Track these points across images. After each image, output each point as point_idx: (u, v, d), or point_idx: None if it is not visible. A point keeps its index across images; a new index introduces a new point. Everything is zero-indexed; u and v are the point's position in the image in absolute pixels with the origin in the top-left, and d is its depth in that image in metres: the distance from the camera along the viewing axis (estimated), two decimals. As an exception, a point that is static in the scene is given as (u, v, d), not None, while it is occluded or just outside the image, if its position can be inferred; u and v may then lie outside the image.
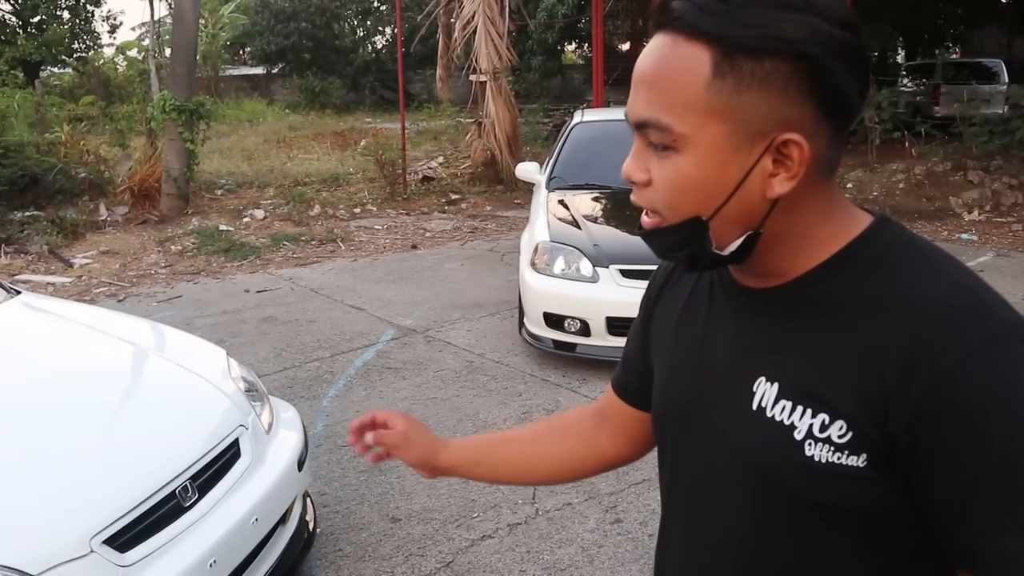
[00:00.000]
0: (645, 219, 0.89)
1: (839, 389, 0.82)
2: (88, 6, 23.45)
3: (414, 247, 8.92)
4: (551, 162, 6.76)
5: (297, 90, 27.94)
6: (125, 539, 2.16)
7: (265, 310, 6.50)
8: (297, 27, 27.44)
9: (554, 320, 5.06)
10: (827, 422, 0.82)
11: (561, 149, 6.80)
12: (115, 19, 23.27)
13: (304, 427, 3.11)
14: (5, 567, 1.95)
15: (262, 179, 12.22)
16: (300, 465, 2.89)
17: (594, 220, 5.73)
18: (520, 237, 7.24)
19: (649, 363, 1.14)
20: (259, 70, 31.05)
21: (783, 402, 0.86)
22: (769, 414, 0.87)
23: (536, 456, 1.31)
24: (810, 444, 0.83)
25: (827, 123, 0.82)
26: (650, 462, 3.46)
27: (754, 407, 0.89)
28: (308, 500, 3.11)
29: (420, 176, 12.37)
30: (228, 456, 2.62)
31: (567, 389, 4.80)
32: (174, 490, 2.35)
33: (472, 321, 6.13)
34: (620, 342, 4.75)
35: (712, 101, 0.80)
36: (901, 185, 11.17)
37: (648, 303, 1.16)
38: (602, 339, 4.94)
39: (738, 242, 0.86)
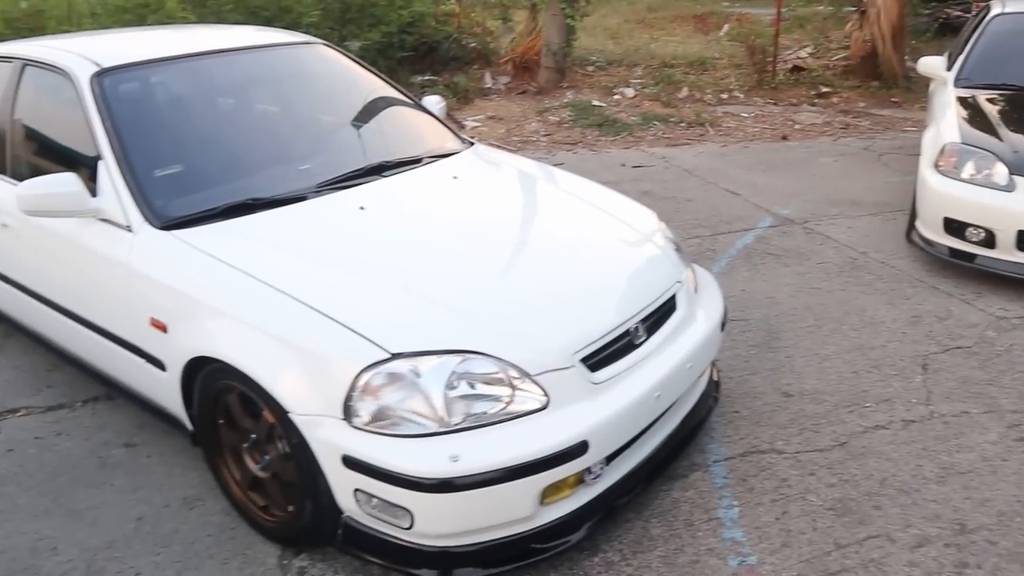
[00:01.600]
0: None
1: None
2: None
3: (784, 138, 8.71)
4: (962, 57, 6.21)
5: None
6: (596, 360, 2.51)
7: (642, 185, 6.78)
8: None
9: (955, 227, 4.80)
10: None
11: (976, 42, 6.22)
12: None
13: (722, 292, 3.32)
14: (512, 364, 2.37)
15: (629, 58, 12.43)
16: (723, 326, 3.11)
17: (1012, 123, 5.25)
18: (899, 138, 6.83)
19: None
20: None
21: None
22: None
23: None
24: None
25: None
26: None
27: None
28: (714, 362, 3.35)
29: (789, 66, 11.87)
30: (668, 307, 2.90)
31: (960, 300, 4.58)
32: (629, 328, 2.66)
33: (851, 219, 5.96)
34: (1030, 257, 4.47)
35: None
36: None
37: None
38: (1008, 253, 4.62)
39: None
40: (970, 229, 4.73)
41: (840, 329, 4.22)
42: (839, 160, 7.81)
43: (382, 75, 4.27)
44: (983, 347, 4.06)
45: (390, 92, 4.11)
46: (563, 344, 2.47)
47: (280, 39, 4.13)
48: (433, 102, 4.26)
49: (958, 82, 5.92)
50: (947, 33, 13.14)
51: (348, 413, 2.29)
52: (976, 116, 5.34)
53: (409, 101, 4.15)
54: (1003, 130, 5.09)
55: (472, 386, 2.34)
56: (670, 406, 2.81)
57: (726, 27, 15.72)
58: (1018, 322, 4.31)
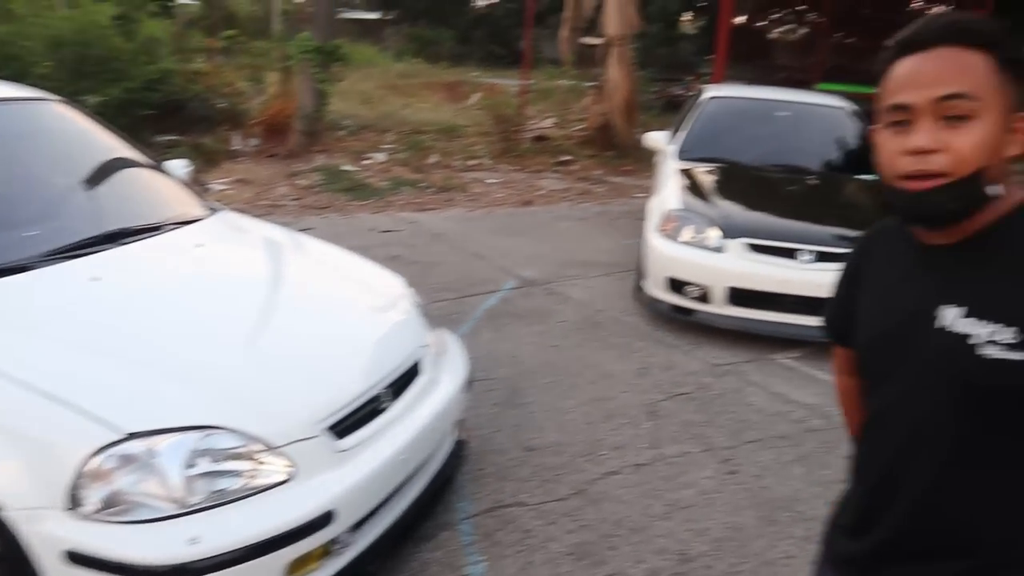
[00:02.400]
0: (922, 183, 1.21)
1: (1013, 307, 1.18)
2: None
3: (527, 203, 9.23)
4: (680, 133, 6.95)
5: (407, 38, 28.39)
6: (342, 428, 2.55)
7: (391, 249, 6.91)
8: (415, -25, 27.81)
9: (676, 285, 5.32)
10: (1001, 329, 1.18)
11: (693, 121, 6.99)
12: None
13: (466, 355, 3.47)
14: (256, 437, 2.35)
15: (382, 123, 12.67)
16: (467, 387, 3.25)
17: (723, 193, 5.94)
18: (631, 204, 7.49)
19: (852, 312, 1.49)
20: (373, 15, 31.55)
21: (967, 320, 1.21)
22: (948, 330, 1.23)
23: None
24: (986, 347, 1.19)
25: None
26: (762, 425, 3.78)
27: (940, 326, 1.25)
28: (460, 422, 3.48)
29: (534, 135, 12.63)
30: (414, 371, 2.99)
31: (681, 351, 5.07)
32: (376, 394, 2.73)
33: (588, 279, 6.42)
34: (739, 312, 5.07)
35: (997, 85, 1.19)
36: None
37: (852, 268, 1.53)
38: (720, 307, 5.19)
39: (998, 187, 1.22)
40: (688, 287, 5.27)
41: (578, 383, 4.53)
42: (577, 224, 8.40)
43: (123, 135, 4.08)
44: (701, 392, 4.52)
45: (130, 154, 3.93)
46: (309, 414, 2.48)
47: (5, 93, 3.79)
48: (178, 166, 4.14)
49: (679, 155, 6.61)
50: (672, 109, 14.57)
51: (74, 502, 2.15)
52: (694, 186, 5.98)
53: (151, 164, 3.99)
54: (716, 199, 5.74)
55: (213, 462, 2.29)
56: (417, 469, 2.89)
57: (476, 96, 16.46)
58: (729, 368, 4.84)
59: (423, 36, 27.06)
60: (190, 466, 2.24)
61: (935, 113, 1.19)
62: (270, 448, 2.36)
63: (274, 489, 2.33)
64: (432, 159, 10.86)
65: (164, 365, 2.48)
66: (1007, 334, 1.17)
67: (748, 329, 5.17)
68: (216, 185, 8.90)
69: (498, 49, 27.86)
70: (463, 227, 7.93)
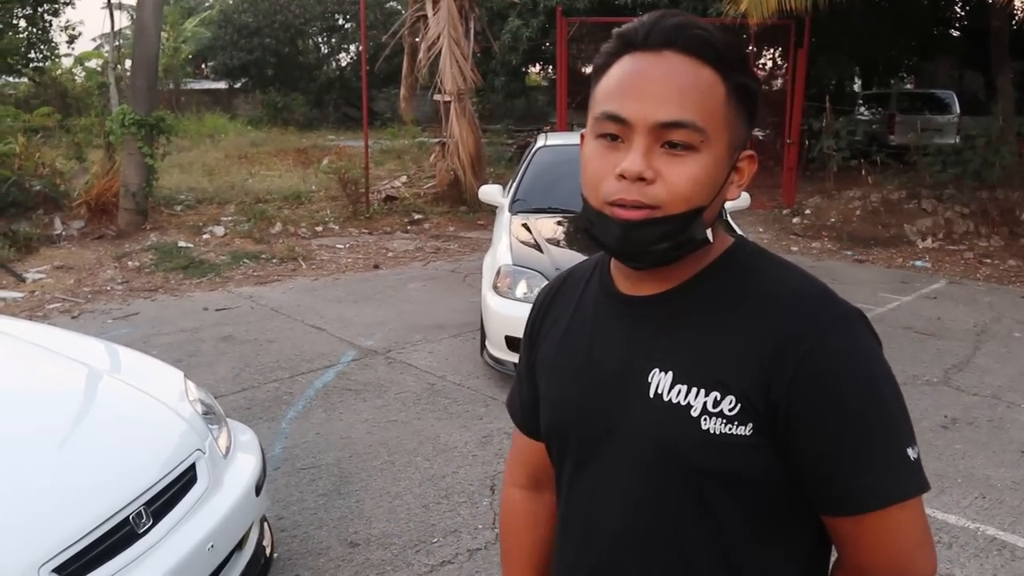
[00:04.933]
0: (632, 212, 0.99)
1: (728, 370, 0.99)
2: (46, 16, 23.02)
3: (376, 267, 8.88)
4: (514, 185, 6.78)
5: (260, 105, 27.75)
6: (75, 567, 2.11)
7: (224, 329, 6.42)
8: (261, 42, 27.24)
9: (516, 343, 5.06)
10: (719, 398, 0.99)
11: (524, 172, 6.83)
12: (74, 29, 22.70)
13: (263, 450, 3.07)
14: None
15: (223, 195, 12.09)
16: (258, 490, 2.85)
17: (556, 243, 5.76)
18: (483, 259, 7.26)
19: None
20: (221, 84, 30.78)
21: (679, 386, 1.02)
22: (666, 399, 1.02)
23: (544, 559, 1.34)
24: (705, 419, 0.99)
25: None
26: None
27: (651, 395, 1.04)
28: (265, 525, 3.06)
29: (383, 195, 12.33)
30: (184, 481, 2.57)
31: (528, 412, 4.79)
32: (128, 516, 2.29)
33: (434, 343, 6.11)
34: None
35: (726, 116, 1.00)
36: (858, 212, 11.39)
37: (534, 327, 1.27)
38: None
39: (710, 231, 1.03)
40: (529, 344, 5.01)
41: (413, 461, 4.17)
42: (427, 284, 8.10)
43: None
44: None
45: None
46: (25, 558, 2.03)
47: None
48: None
49: (512, 207, 6.41)
50: (524, 160, 14.60)
51: None
52: (527, 238, 5.77)
53: None
54: (548, 250, 5.54)
55: None
56: (195, 597, 2.46)
57: (326, 160, 16.06)
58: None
59: (275, 102, 26.46)
60: None
61: (653, 136, 0.98)
62: (-27, 608, 1.90)
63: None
64: (276, 228, 10.37)
65: None
66: (726, 403, 0.99)
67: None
68: (32, 274, 8.17)
69: (353, 111, 27.52)
70: (305, 298, 7.49)
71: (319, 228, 10.66)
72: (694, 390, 1.00)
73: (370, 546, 3.42)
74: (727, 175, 1.03)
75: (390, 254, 9.54)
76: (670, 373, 1.03)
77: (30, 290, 7.64)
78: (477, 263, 8.84)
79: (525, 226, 5.99)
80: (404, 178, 14.00)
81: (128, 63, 12.74)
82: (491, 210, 11.13)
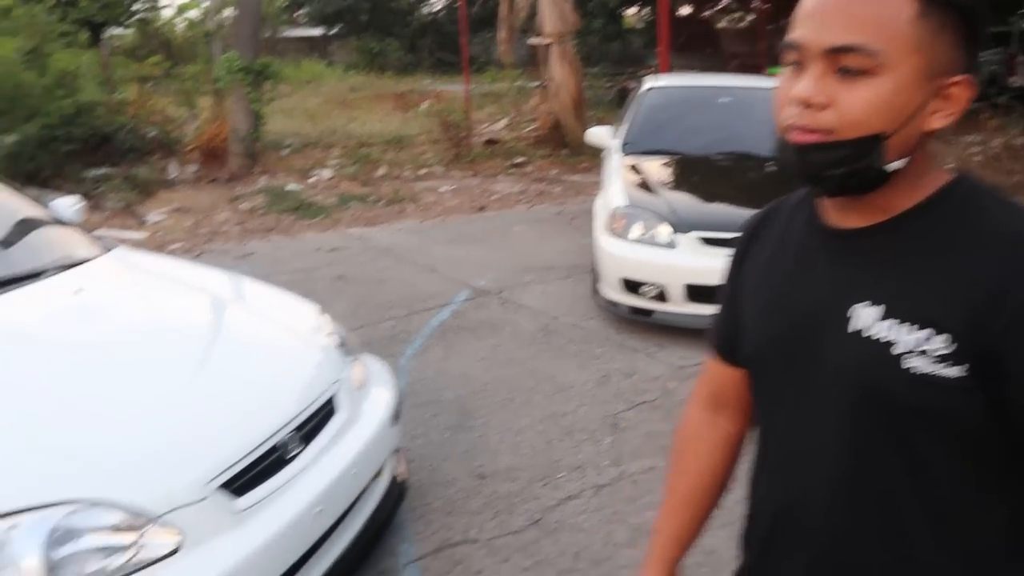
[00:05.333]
0: (803, 136, 0.95)
1: (938, 309, 0.93)
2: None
3: (481, 209, 8.91)
4: (624, 127, 6.65)
5: (355, 51, 27.99)
6: (238, 484, 2.20)
7: (337, 268, 6.56)
8: (355, -12, 27.41)
9: (631, 285, 5.01)
10: (927, 337, 0.93)
11: (635, 114, 6.69)
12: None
13: (396, 382, 3.13)
14: (131, 508, 2.00)
15: (326, 139, 12.30)
16: (394, 420, 2.91)
17: (671, 186, 5.65)
18: (588, 202, 7.21)
19: (740, 316, 1.20)
20: (317, 31, 31.11)
21: (884, 322, 0.96)
22: (866, 335, 0.97)
23: (704, 492, 1.38)
24: (908, 357, 0.94)
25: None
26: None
27: (849, 330, 0.99)
28: (399, 454, 3.13)
29: (484, 139, 12.32)
30: (327, 410, 2.65)
31: (644, 354, 4.76)
32: (280, 441, 2.38)
33: (545, 284, 6.10)
34: (698, 309, 4.73)
35: (917, 36, 0.91)
36: (978, 158, 10.82)
37: (738, 256, 1.24)
38: (680, 306, 4.88)
39: (900, 162, 0.96)
40: (644, 286, 4.96)
41: (533, 399, 4.20)
42: (533, 226, 8.08)
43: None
44: (665, 399, 4.20)
45: (6, 197, 3.55)
46: (195, 474, 2.13)
47: None
48: (64, 205, 3.74)
49: (623, 149, 6.29)
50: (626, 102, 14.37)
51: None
52: (640, 181, 5.68)
53: (28, 204, 3.58)
54: (664, 192, 5.44)
55: (83, 541, 1.93)
56: (341, 517, 2.54)
57: (425, 104, 16.13)
58: (694, 370, 4.52)
59: (370, 48, 26.62)
60: (55, 547, 1.88)
61: (827, 61, 0.94)
62: (150, 518, 2.00)
63: (160, 563, 1.99)
64: (380, 171, 10.50)
65: (24, 433, 2.12)
66: (937, 342, 0.93)
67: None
68: (153, 215, 8.49)
69: (447, 56, 27.48)
70: (414, 239, 7.58)
71: (422, 171, 10.74)
72: (903, 326, 0.95)
73: (497, 478, 3.46)
74: (922, 102, 0.94)
75: (494, 196, 9.55)
76: (875, 308, 0.98)
77: (152, 231, 7.94)
78: (582, 206, 8.78)
79: (637, 168, 5.88)
80: (504, 121, 13.94)
81: (226, 13, 12.94)
82: (594, 153, 11.01)
